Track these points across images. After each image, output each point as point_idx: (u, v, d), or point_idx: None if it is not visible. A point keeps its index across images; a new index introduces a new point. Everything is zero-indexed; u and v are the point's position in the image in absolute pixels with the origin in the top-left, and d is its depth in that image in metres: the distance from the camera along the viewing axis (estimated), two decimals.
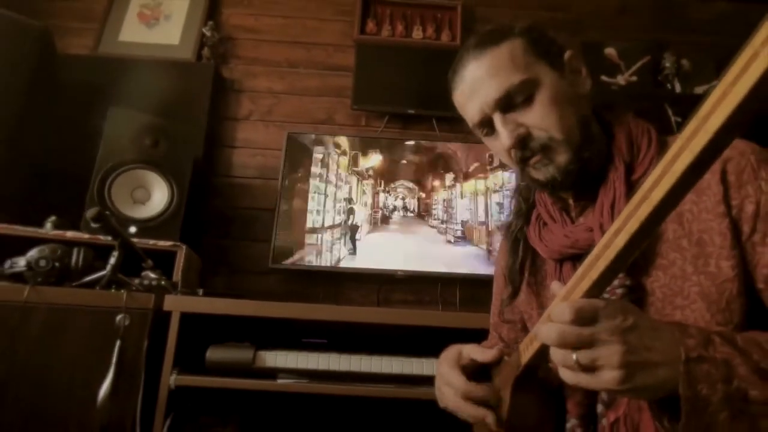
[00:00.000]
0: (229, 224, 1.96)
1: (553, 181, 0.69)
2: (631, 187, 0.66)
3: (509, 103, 0.68)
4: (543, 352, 0.56)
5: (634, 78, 2.21)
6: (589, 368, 0.45)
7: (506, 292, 0.81)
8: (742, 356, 0.46)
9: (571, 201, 0.74)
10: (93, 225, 1.22)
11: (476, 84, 0.69)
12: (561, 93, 0.69)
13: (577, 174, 0.68)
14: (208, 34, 2.06)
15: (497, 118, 0.68)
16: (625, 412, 0.59)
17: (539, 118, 0.67)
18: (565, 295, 0.49)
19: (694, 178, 0.37)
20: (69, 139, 1.79)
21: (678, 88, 2.15)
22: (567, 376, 0.48)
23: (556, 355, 0.47)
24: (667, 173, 0.37)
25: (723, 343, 0.47)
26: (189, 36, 2.10)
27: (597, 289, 0.46)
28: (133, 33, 2.09)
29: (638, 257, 0.61)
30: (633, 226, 0.40)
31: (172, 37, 2.09)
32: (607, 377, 0.44)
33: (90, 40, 2.08)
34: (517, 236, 0.81)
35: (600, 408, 0.63)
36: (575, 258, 0.71)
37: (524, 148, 0.68)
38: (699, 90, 2.17)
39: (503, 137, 0.68)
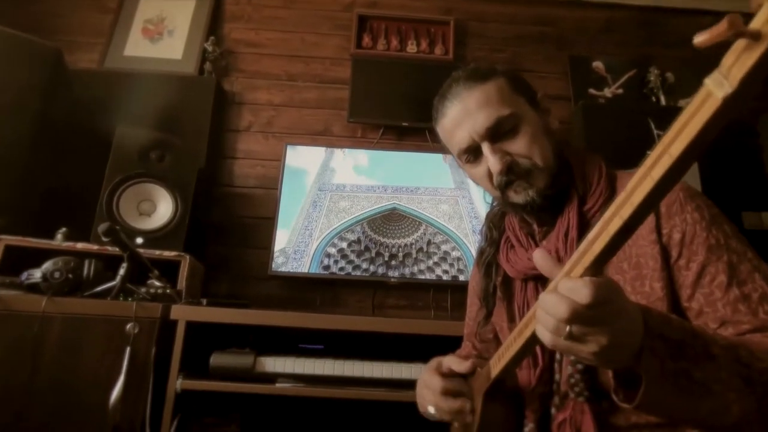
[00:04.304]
0: (231, 232, 2.04)
1: (532, 203, 0.76)
2: (582, 217, 0.75)
3: (497, 132, 0.76)
4: (526, 349, 0.61)
5: (621, 91, 2.29)
6: (576, 339, 0.48)
7: (481, 314, 0.90)
8: (694, 339, 0.53)
9: (535, 227, 0.83)
10: (104, 239, 1.31)
11: (467, 113, 0.76)
12: (540, 127, 0.78)
13: (551, 198, 0.76)
14: (209, 48, 2.14)
15: (486, 146, 0.76)
16: (570, 414, 0.68)
17: (523, 147, 0.76)
18: (569, 270, 0.51)
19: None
20: (77, 152, 1.87)
21: (663, 100, 2.24)
22: (547, 339, 0.50)
23: (549, 321, 0.49)
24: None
25: (680, 326, 0.54)
26: (191, 50, 2.17)
27: (597, 265, 0.49)
28: (137, 48, 2.17)
29: None
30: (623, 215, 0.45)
31: (175, 52, 2.17)
32: (589, 349, 0.48)
33: (96, 55, 2.16)
34: (490, 261, 0.89)
35: (553, 411, 0.72)
36: (538, 278, 0.80)
37: (509, 173, 0.76)
38: (683, 103, 2.25)
39: (492, 163, 0.75)
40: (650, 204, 0.43)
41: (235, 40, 2.27)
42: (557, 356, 0.75)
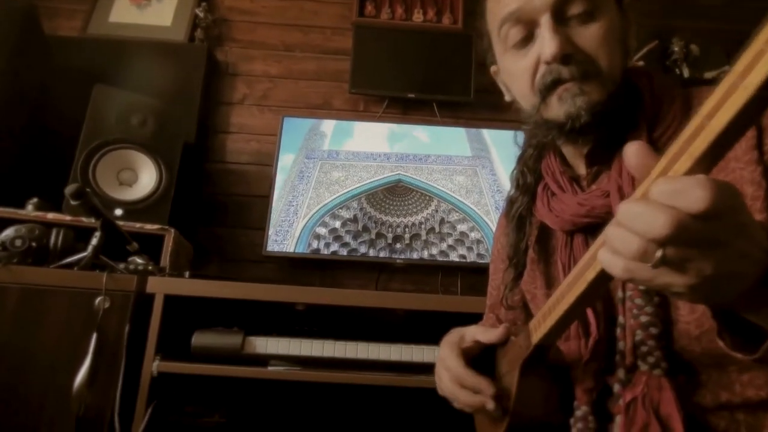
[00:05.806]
0: (224, 211, 1.91)
1: (577, 118, 0.59)
2: (653, 146, 0.59)
3: (566, 8, 0.59)
4: (585, 298, 0.46)
5: (641, 63, 2.14)
6: (670, 266, 0.33)
7: (509, 275, 0.74)
8: None
9: (583, 168, 0.67)
10: (73, 202, 1.15)
11: None
12: (619, 29, 0.62)
13: (600, 119, 0.59)
14: (201, 15, 2.00)
15: (547, 23, 0.58)
16: (643, 392, 0.52)
17: (591, 41, 0.59)
18: (665, 168, 0.35)
19: None
20: (56, 120, 1.72)
21: (686, 73, 2.09)
22: (620, 267, 0.35)
23: (632, 242, 0.33)
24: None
25: None
26: (181, 17, 2.03)
27: (716, 154, 0.33)
28: (123, 14, 2.03)
29: None
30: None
31: (164, 19, 2.03)
32: (684, 281, 0.33)
33: (79, 22, 2.03)
34: (522, 213, 0.73)
35: (617, 387, 0.55)
36: (587, 229, 0.63)
37: (564, 63, 0.59)
38: (708, 75, 2.10)
39: (548, 44, 0.58)
40: None
41: (229, 8, 2.13)
42: (620, 319, 0.58)
